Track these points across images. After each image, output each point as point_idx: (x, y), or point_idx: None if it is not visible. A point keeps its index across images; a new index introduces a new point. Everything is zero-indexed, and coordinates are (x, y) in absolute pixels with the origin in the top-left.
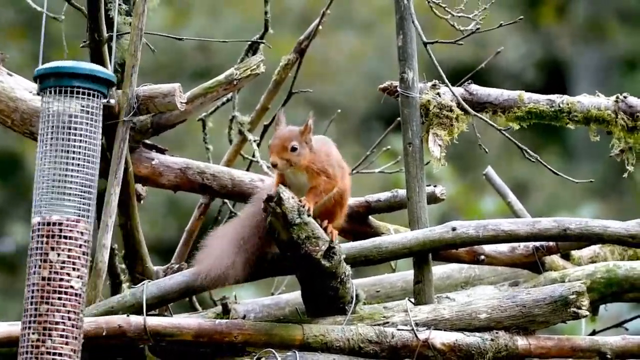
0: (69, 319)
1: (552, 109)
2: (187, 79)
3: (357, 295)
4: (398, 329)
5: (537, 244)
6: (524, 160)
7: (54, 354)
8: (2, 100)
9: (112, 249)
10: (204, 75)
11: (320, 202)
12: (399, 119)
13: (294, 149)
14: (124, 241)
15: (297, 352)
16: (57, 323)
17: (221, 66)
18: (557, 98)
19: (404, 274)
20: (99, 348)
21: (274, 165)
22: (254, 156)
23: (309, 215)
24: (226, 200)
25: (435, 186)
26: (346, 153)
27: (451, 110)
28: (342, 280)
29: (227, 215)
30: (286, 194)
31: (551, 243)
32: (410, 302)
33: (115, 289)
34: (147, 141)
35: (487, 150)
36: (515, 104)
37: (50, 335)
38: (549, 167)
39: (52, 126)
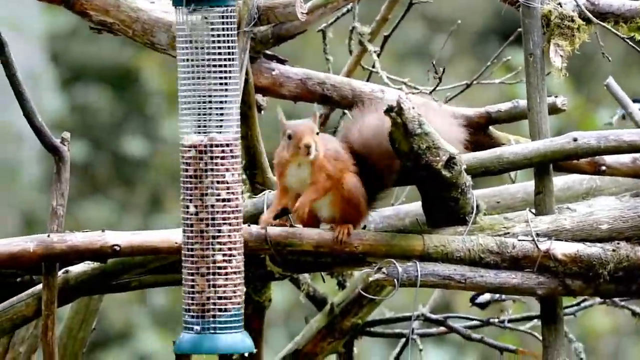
0: (240, 236)
1: None
2: None
3: (477, 206)
4: (519, 240)
5: None
6: None
7: (238, 272)
8: (123, 11)
9: None
10: None
11: (321, 201)
12: (519, 29)
13: (317, 133)
14: (245, 152)
15: (417, 262)
16: (236, 242)
17: None
18: None
19: (524, 184)
20: None
21: (308, 147)
22: (374, 67)
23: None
24: (346, 111)
25: (556, 97)
26: (461, 68)
27: (572, 21)
28: (462, 190)
29: None
30: (407, 104)
31: None
32: (531, 212)
33: None
34: (268, 52)
35: (610, 58)
36: (637, 14)
37: (232, 255)
38: None
39: (192, 42)
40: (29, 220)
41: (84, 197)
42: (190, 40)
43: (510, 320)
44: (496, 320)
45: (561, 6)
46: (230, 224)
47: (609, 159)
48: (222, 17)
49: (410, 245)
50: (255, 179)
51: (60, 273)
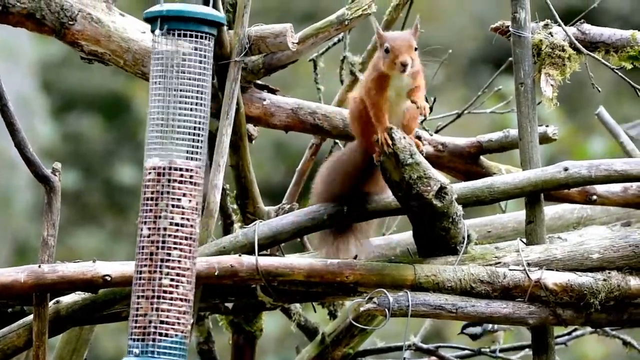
0: (194, 264)
1: None
2: (295, 22)
3: (468, 236)
4: (510, 269)
5: None
6: (633, 102)
7: (184, 300)
8: (115, 41)
9: (223, 190)
10: (312, 19)
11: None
12: (510, 59)
13: (416, 49)
14: (236, 181)
15: (408, 292)
16: (187, 269)
17: (328, 9)
18: None
19: (515, 214)
20: (210, 288)
21: (404, 65)
22: None
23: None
24: (337, 141)
25: (547, 126)
26: (453, 95)
27: (563, 50)
28: (453, 220)
29: None
30: (398, 134)
31: None
32: (522, 242)
33: (227, 229)
34: (259, 81)
35: (600, 89)
36: (628, 44)
37: (180, 281)
38: None
39: (163, 68)
40: (22, 247)
41: (75, 225)
42: (163, 66)
43: (501, 350)
44: (487, 349)
45: (552, 35)
46: (181, 250)
47: (600, 188)
48: (196, 43)
49: (401, 274)
50: (246, 209)
51: (51, 303)
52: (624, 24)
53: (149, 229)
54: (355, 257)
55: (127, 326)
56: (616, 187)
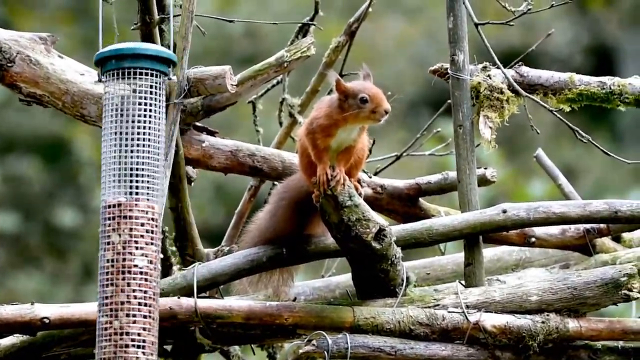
0: (135, 297)
1: (603, 91)
2: (235, 65)
3: (407, 278)
4: (449, 312)
5: (588, 226)
6: (572, 144)
7: (121, 334)
8: (53, 83)
9: (162, 232)
10: (252, 61)
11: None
12: (449, 101)
13: None
14: (175, 223)
15: (347, 334)
16: (122, 303)
17: (268, 52)
18: (608, 80)
19: (454, 256)
20: None
21: (387, 112)
22: None
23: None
24: (276, 183)
25: (485, 168)
26: (392, 137)
27: (502, 92)
28: (392, 262)
29: None
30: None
31: (602, 225)
32: (461, 284)
33: (166, 271)
34: (198, 123)
35: (538, 131)
36: (566, 86)
37: (116, 316)
38: (600, 147)
39: (115, 108)
40: None
41: (15, 267)
42: (115, 109)
43: None
44: None
45: (490, 78)
46: (115, 285)
47: (539, 231)
48: (151, 87)
49: (340, 317)
50: (185, 251)
51: None
52: (562, 67)
53: (99, 267)
54: (295, 300)
55: None
56: (554, 230)
